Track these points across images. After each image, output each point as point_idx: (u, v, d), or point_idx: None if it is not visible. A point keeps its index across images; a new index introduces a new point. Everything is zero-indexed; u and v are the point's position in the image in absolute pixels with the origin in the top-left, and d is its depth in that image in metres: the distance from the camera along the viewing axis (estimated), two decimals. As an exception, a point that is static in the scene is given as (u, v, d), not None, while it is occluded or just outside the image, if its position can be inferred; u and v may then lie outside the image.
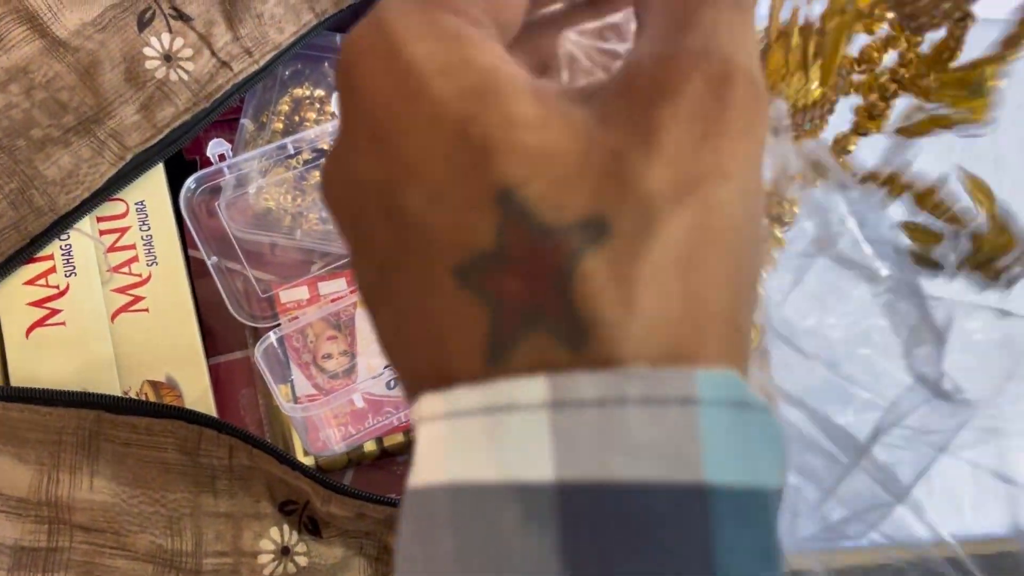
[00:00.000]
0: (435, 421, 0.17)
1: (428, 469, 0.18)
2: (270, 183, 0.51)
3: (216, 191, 0.49)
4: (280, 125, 0.52)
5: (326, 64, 0.55)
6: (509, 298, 0.16)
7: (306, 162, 0.51)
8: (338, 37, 0.54)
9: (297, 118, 0.53)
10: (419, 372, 0.18)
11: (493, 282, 0.17)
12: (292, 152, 0.50)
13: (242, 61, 0.49)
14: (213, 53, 0.49)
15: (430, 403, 0.18)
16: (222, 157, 0.49)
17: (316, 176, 0.51)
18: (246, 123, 0.52)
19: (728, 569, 0.15)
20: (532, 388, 0.16)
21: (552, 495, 0.16)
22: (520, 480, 0.16)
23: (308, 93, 0.53)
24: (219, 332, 0.50)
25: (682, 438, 0.15)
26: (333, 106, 0.51)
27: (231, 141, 0.50)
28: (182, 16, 0.49)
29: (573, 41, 0.23)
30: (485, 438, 0.16)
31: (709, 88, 0.17)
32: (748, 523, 0.16)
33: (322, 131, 0.51)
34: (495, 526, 0.16)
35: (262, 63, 0.50)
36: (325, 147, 0.52)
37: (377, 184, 0.18)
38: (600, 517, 0.15)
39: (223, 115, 0.50)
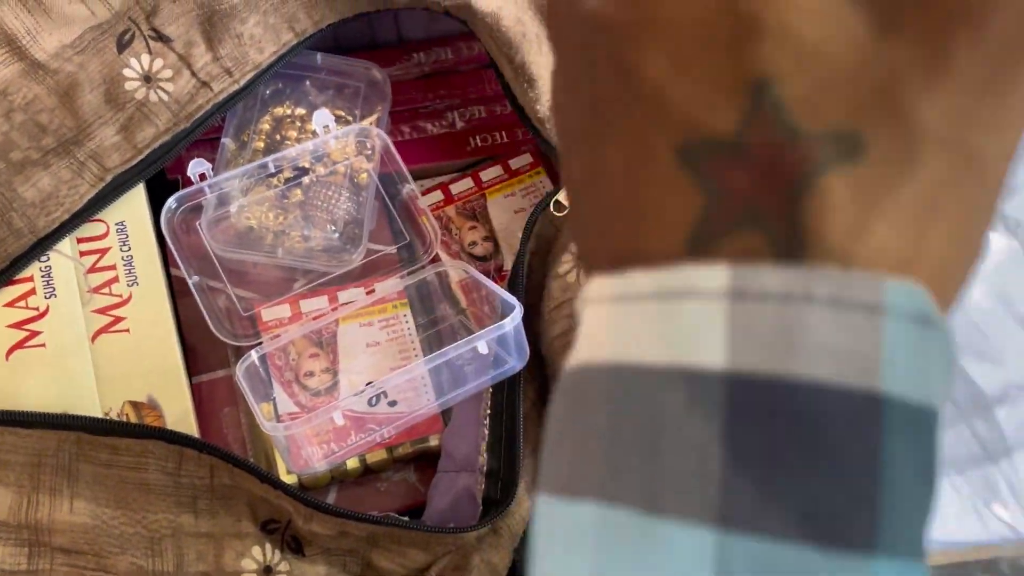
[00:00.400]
0: (602, 304, 0.17)
1: (588, 348, 0.17)
2: (251, 202, 0.51)
3: (197, 210, 0.49)
4: (261, 144, 0.52)
5: (307, 83, 0.55)
6: (732, 191, 0.16)
7: (287, 180, 0.51)
8: (319, 56, 0.55)
9: (278, 137, 0.53)
10: (604, 240, 0.17)
11: (719, 171, 0.16)
12: (273, 171, 0.51)
13: (222, 81, 0.49)
14: (193, 74, 0.49)
15: (600, 286, 0.17)
16: (203, 176, 0.49)
17: (298, 194, 0.51)
18: (227, 142, 0.52)
19: (893, 482, 0.15)
20: (714, 275, 0.15)
21: (721, 383, 0.15)
22: (689, 365, 0.16)
23: (289, 112, 0.54)
24: (201, 351, 0.50)
25: (864, 344, 0.15)
26: (314, 124, 0.51)
27: (212, 160, 0.51)
28: (162, 37, 0.49)
29: None
30: (656, 321, 0.16)
31: (1020, 25, 0.15)
32: (917, 440, 0.15)
33: (303, 149, 0.51)
34: (655, 408, 0.16)
35: (242, 83, 0.50)
36: (306, 165, 0.52)
37: (615, 30, 0.17)
38: (769, 411, 0.15)
39: (204, 134, 0.51)
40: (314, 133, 0.52)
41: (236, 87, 0.50)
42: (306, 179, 0.52)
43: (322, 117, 0.51)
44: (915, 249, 0.16)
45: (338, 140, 0.52)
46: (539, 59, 0.48)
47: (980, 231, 0.17)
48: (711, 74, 0.16)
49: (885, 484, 0.15)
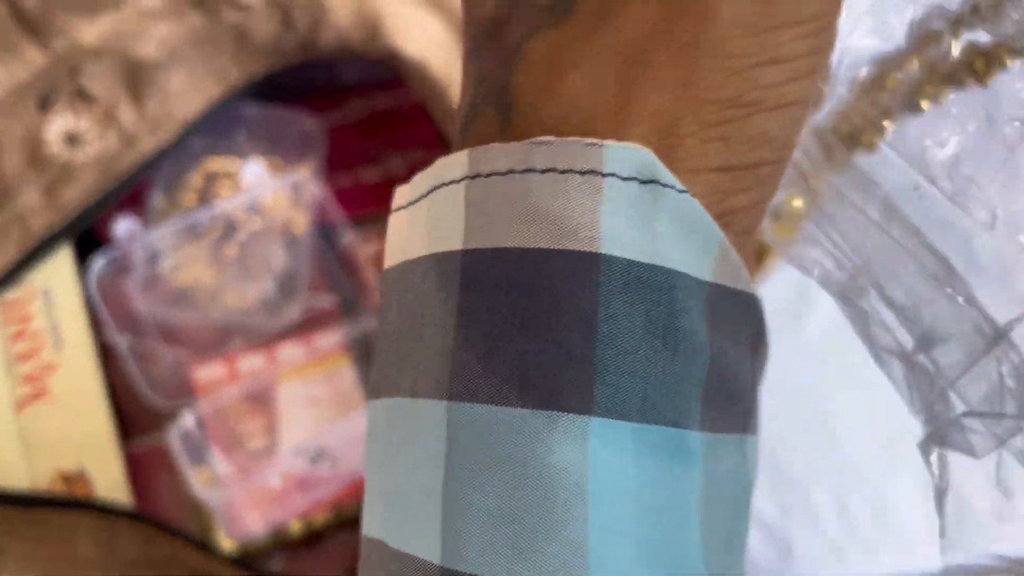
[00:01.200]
0: (396, 212, 0.19)
1: (388, 256, 0.19)
2: (183, 258, 0.49)
3: (127, 269, 0.48)
4: (193, 198, 0.51)
5: (239, 134, 0.54)
6: (484, 72, 0.17)
7: (220, 235, 0.50)
8: (250, 107, 0.54)
9: (210, 190, 0.52)
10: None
11: (482, 55, 0.17)
12: (205, 226, 0.49)
13: (149, 138, 0.48)
14: (119, 131, 0.48)
15: (397, 197, 0.19)
16: (132, 235, 0.47)
17: (232, 249, 0.50)
18: (157, 198, 0.51)
19: (611, 337, 0.15)
20: (457, 163, 0.16)
21: (458, 261, 0.16)
22: (439, 250, 0.17)
23: (220, 165, 0.52)
24: (137, 415, 0.48)
25: (581, 208, 0.15)
26: (246, 176, 0.50)
27: (142, 217, 0.49)
28: (86, 96, 0.48)
29: None
30: (423, 215, 0.17)
31: None
32: (641, 298, 0.15)
33: (236, 202, 0.50)
34: (420, 297, 0.17)
35: (170, 138, 0.49)
36: (240, 218, 0.51)
37: None
38: (494, 283, 0.16)
39: (133, 191, 0.49)
40: (247, 185, 0.51)
41: (163, 143, 0.48)
42: (240, 233, 0.50)
43: (254, 169, 0.50)
44: (623, 100, 0.15)
45: (272, 192, 0.51)
46: (470, 103, 0.47)
47: (725, 81, 0.15)
48: None
49: (602, 343, 0.15)
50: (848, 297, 0.18)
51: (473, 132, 0.17)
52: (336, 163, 0.59)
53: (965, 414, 0.17)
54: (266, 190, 0.50)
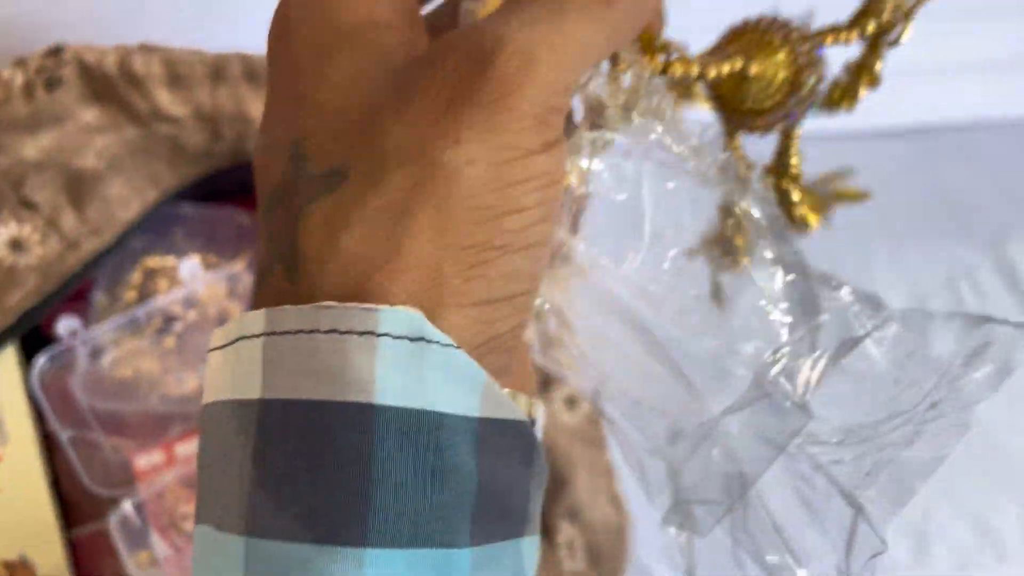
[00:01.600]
0: (214, 352, 0.21)
1: (206, 392, 0.21)
2: (124, 352, 0.53)
3: (69, 365, 0.51)
4: (133, 295, 0.55)
5: (177, 232, 0.58)
6: (275, 231, 0.20)
7: (159, 330, 0.53)
8: (188, 206, 0.57)
9: (150, 287, 0.55)
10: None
11: (272, 214, 0.20)
12: (144, 321, 0.53)
13: (90, 241, 0.52)
14: (61, 237, 0.51)
15: (214, 338, 0.21)
16: (74, 333, 0.51)
17: (170, 341, 0.54)
18: (98, 297, 0.54)
19: (384, 476, 0.17)
20: (255, 320, 0.19)
21: (255, 410, 0.18)
22: (240, 398, 0.19)
23: (159, 263, 0.56)
24: (80, 503, 0.51)
25: (359, 364, 0.18)
26: (182, 273, 0.54)
27: (84, 316, 0.52)
28: (29, 205, 0.51)
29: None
30: (228, 364, 0.20)
31: (469, 61, 0.18)
32: (412, 441, 0.18)
33: (173, 297, 0.53)
34: (222, 435, 0.19)
35: (110, 240, 0.52)
36: (177, 313, 0.54)
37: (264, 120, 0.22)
38: (285, 431, 0.18)
39: (77, 290, 0.53)
40: (184, 281, 0.54)
41: (104, 245, 0.52)
42: (177, 326, 0.54)
43: (190, 266, 0.54)
44: (391, 253, 0.18)
45: (208, 286, 0.54)
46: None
47: (475, 230, 0.18)
48: (276, 138, 0.20)
49: (377, 483, 0.17)
50: (596, 401, 0.22)
51: (267, 286, 0.20)
52: (272, 254, 0.62)
53: (682, 499, 0.20)
54: (202, 284, 0.54)
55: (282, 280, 0.19)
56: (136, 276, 0.55)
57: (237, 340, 0.19)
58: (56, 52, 0.49)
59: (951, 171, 0.99)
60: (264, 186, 0.20)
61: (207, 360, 0.21)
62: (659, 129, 0.22)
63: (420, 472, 0.18)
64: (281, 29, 0.21)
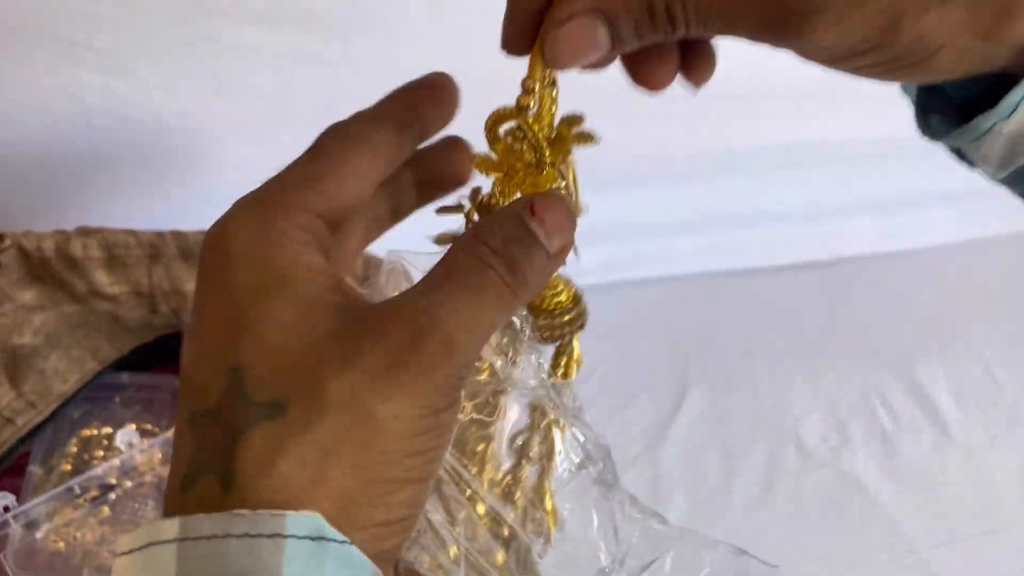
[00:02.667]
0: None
1: None
2: (58, 524, 0.53)
3: (2, 541, 0.51)
4: (68, 467, 0.55)
5: (115, 401, 0.59)
6: (206, 444, 0.22)
7: (94, 499, 0.54)
8: (125, 375, 0.59)
9: (86, 457, 0.56)
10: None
11: (204, 430, 0.22)
12: (79, 492, 0.53)
13: (26, 415, 0.53)
14: (-3, 413, 0.52)
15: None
16: (7, 508, 0.51)
17: (104, 511, 0.54)
18: (34, 470, 0.55)
19: None
20: (170, 526, 0.21)
21: None
22: None
23: (96, 432, 0.57)
24: None
25: (268, 563, 0.20)
26: (118, 442, 0.55)
27: (19, 489, 0.53)
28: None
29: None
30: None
31: (409, 335, 0.22)
32: None
33: (110, 467, 0.54)
34: None
35: (47, 412, 0.54)
36: (113, 482, 0.55)
37: (189, 327, 0.24)
38: None
39: (12, 463, 0.53)
40: (120, 450, 0.55)
41: (40, 418, 0.53)
42: (113, 495, 0.54)
43: (126, 435, 0.55)
44: (316, 481, 0.21)
45: (144, 452, 0.55)
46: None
47: (387, 469, 0.22)
48: (212, 361, 0.23)
49: None
50: None
51: (195, 493, 0.21)
52: (209, 416, 0.64)
53: None
54: (139, 451, 0.55)
55: (212, 489, 0.21)
56: (72, 447, 0.56)
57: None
58: (-3, 239, 0.51)
59: (858, 300, 1.05)
60: (194, 400, 0.23)
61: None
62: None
63: None
64: (220, 261, 0.24)
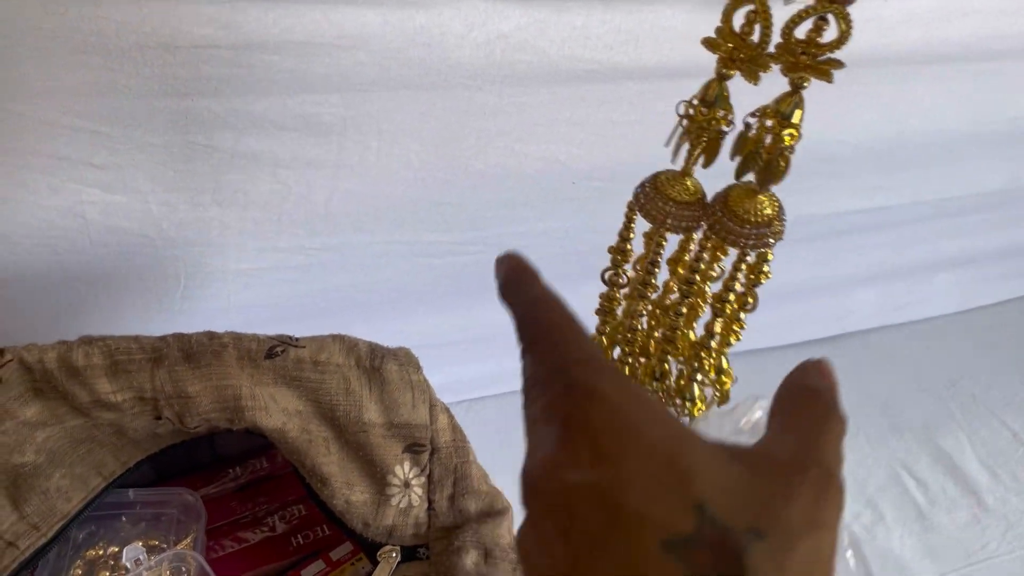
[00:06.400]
0: None
1: None
2: (63, 653, 0.50)
3: (5, 675, 0.48)
4: (73, 590, 0.53)
5: (121, 519, 0.57)
6: (701, 563, 0.25)
7: (100, 623, 0.52)
8: (131, 492, 0.58)
9: (92, 579, 0.54)
10: None
11: (690, 554, 0.25)
12: (85, 616, 0.51)
13: (29, 537, 0.51)
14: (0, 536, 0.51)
15: None
16: (10, 638, 0.49)
17: (112, 635, 0.52)
18: (37, 596, 0.52)
19: None
20: None
21: None
22: None
23: (101, 552, 0.55)
24: None
25: None
26: (124, 560, 0.53)
27: (22, 618, 0.51)
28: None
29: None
30: None
31: (820, 480, 0.27)
32: None
33: (116, 587, 0.52)
34: None
35: (50, 535, 0.52)
36: (120, 603, 0.53)
37: (595, 487, 0.27)
38: None
39: (14, 592, 0.51)
40: (126, 568, 0.53)
41: (44, 540, 0.51)
42: (120, 617, 0.52)
43: (132, 552, 0.53)
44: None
45: (151, 570, 0.53)
46: (328, 459, 0.52)
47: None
48: (671, 500, 0.26)
49: None
50: None
51: None
52: (219, 529, 0.62)
53: None
54: (144, 570, 0.53)
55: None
56: (78, 570, 0.54)
57: None
58: (-2, 355, 0.51)
59: (868, 374, 1.04)
60: (660, 531, 0.26)
61: None
62: None
63: None
64: (619, 421, 0.28)
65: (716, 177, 0.42)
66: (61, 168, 0.55)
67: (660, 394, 0.44)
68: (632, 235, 0.46)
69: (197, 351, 0.51)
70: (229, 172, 0.60)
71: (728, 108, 0.39)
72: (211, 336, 0.52)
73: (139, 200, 0.58)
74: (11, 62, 0.49)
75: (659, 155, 0.75)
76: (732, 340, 0.45)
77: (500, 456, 0.60)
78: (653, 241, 0.46)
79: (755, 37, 0.36)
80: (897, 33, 0.69)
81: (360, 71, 0.57)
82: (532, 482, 0.28)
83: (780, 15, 0.35)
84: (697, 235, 0.43)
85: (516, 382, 0.95)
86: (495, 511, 0.55)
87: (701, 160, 0.41)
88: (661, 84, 0.66)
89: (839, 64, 0.34)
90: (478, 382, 0.91)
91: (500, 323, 0.95)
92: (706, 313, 0.45)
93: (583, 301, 0.92)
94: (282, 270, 0.69)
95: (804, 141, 0.39)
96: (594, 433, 0.28)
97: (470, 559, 0.52)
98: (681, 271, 0.47)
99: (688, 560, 0.25)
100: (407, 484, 0.53)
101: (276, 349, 0.52)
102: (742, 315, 0.44)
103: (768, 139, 0.36)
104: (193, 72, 0.53)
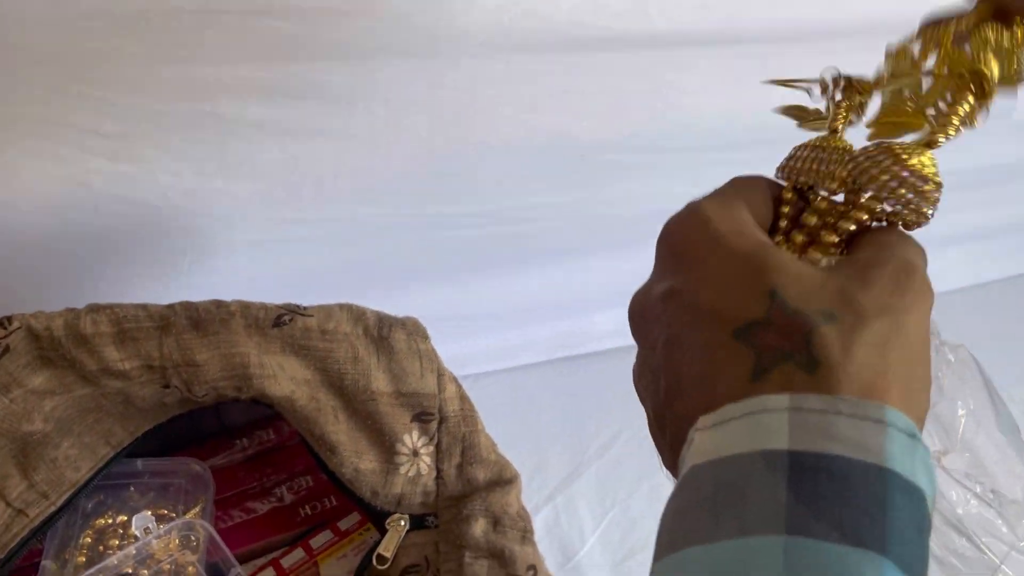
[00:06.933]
0: (705, 430, 0.27)
1: (695, 457, 0.26)
2: (74, 620, 0.51)
3: (16, 641, 0.49)
4: (83, 559, 0.53)
5: (129, 489, 0.57)
6: (769, 345, 0.27)
7: (110, 590, 0.52)
8: (139, 462, 0.58)
9: (101, 548, 0.54)
10: (691, 407, 0.28)
11: (759, 337, 0.27)
12: (95, 583, 0.51)
13: (38, 506, 0.51)
14: (8, 503, 0.51)
15: (703, 420, 0.27)
16: (20, 605, 0.49)
17: (122, 602, 0.52)
18: (47, 564, 0.52)
19: (895, 518, 0.24)
20: (779, 399, 0.25)
21: (786, 456, 0.24)
22: (766, 448, 0.25)
23: (110, 521, 0.55)
24: None
25: (873, 440, 0.24)
26: (134, 528, 0.53)
27: (32, 585, 0.51)
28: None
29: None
30: (743, 430, 0.26)
31: (901, 269, 0.28)
32: (910, 500, 0.24)
33: (125, 555, 0.52)
34: (744, 473, 0.25)
35: (59, 503, 0.52)
36: (129, 571, 0.53)
37: (676, 292, 0.30)
38: (815, 468, 0.24)
39: (24, 558, 0.51)
40: (135, 537, 0.53)
41: (53, 508, 0.51)
42: (130, 584, 0.52)
43: (142, 520, 0.53)
44: (880, 373, 0.26)
45: (160, 539, 0.53)
46: (337, 427, 0.52)
47: (918, 368, 0.28)
48: (744, 292, 0.28)
49: (890, 518, 0.24)
50: None
51: (772, 379, 0.26)
52: (227, 500, 0.62)
53: None
54: (154, 538, 0.53)
55: (796, 375, 0.26)
56: (87, 538, 0.54)
57: (745, 415, 0.26)
58: (4, 323, 0.51)
59: None
60: (733, 320, 0.28)
61: (694, 440, 0.27)
62: None
63: (914, 525, 0.24)
64: (706, 231, 0.30)
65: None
66: (67, 136, 0.55)
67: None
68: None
69: (205, 319, 0.51)
70: (235, 141, 0.59)
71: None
72: (218, 304, 0.52)
73: (145, 170, 0.58)
74: (17, 29, 0.49)
75: (669, 126, 0.74)
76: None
77: (506, 430, 0.61)
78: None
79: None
80: None
81: (366, 38, 0.56)
82: (629, 309, 0.32)
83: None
84: None
85: (522, 356, 0.95)
86: (503, 480, 0.54)
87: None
88: (672, 53, 0.65)
89: None
90: (485, 356, 0.91)
91: (507, 297, 0.95)
92: None
93: (591, 275, 0.92)
94: (289, 242, 0.69)
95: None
96: (682, 246, 0.30)
97: (479, 527, 0.52)
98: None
99: (756, 343, 0.27)
100: (416, 453, 0.53)
101: (283, 317, 0.52)
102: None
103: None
104: (199, 38, 0.52)
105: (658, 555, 0.27)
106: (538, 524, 0.80)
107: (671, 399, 0.29)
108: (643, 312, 0.32)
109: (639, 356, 0.32)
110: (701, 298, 0.29)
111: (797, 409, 0.25)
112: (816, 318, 0.27)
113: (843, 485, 0.24)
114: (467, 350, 0.91)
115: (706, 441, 0.27)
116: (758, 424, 0.26)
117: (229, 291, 0.55)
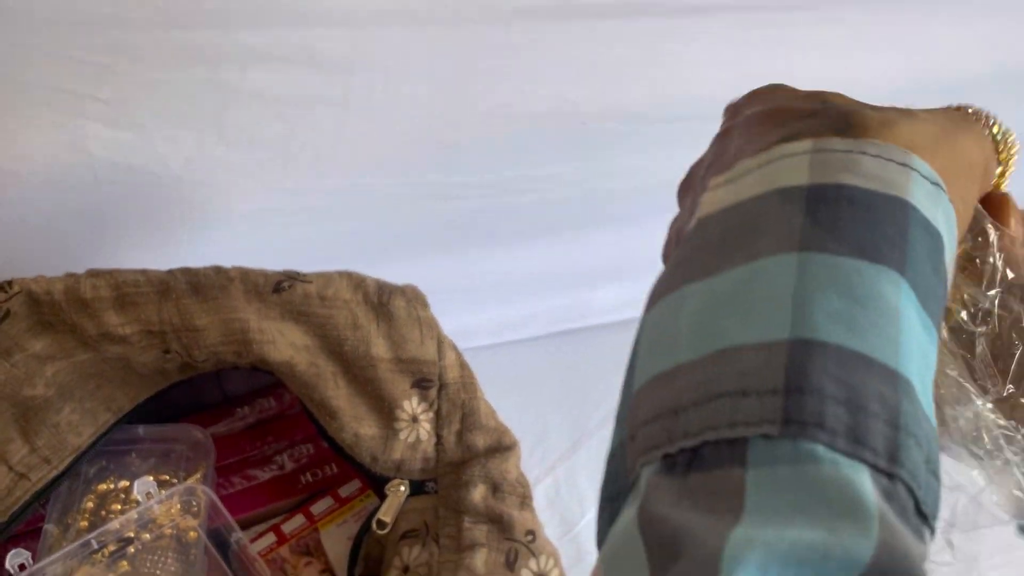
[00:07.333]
0: (717, 187, 0.27)
1: (705, 208, 0.26)
2: (76, 582, 0.51)
3: (19, 603, 0.49)
4: (85, 523, 0.54)
5: (131, 455, 0.58)
6: (811, 123, 0.26)
7: (112, 553, 0.52)
8: (140, 428, 0.58)
9: (103, 512, 0.55)
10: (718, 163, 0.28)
11: (802, 120, 0.27)
12: (97, 547, 0.51)
13: (40, 470, 0.51)
14: (10, 467, 0.51)
15: (715, 180, 0.27)
16: (23, 567, 0.49)
17: (124, 565, 0.52)
18: (50, 528, 0.53)
19: (914, 245, 0.24)
20: (800, 144, 0.25)
21: (803, 189, 0.24)
22: (782, 186, 0.25)
23: (112, 486, 0.56)
24: None
25: (898, 178, 0.24)
26: (135, 493, 0.53)
27: (34, 548, 0.51)
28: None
29: None
30: (756, 174, 0.26)
31: (958, 113, 0.30)
32: (930, 240, 0.24)
33: (127, 519, 0.52)
34: (757, 209, 0.25)
35: (61, 468, 0.52)
36: (131, 535, 0.53)
37: (741, 105, 0.31)
38: (835, 197, 0.24)
39: (26, 524, 0.52)
40: (137, 502, 0.54)
41: (55, 473, 0.52)
42: (131, 548, 0.52)
43: (143, 486, 0.53)
44: (922, 148, 0.26)
45: (162, 504, 0.54)
46: (337, 392, 0.53)
47: (965, 171, 0.28)
48: (801, 101, 0.29)
49: (910, 244, 0.24)
50: None
51: (804, 133, 0.26)
52: (228, 467, 0.62)
53: None
54: (155, 503, 0.53)
55: (823, 132, 0.26)
56: (89, 503, 0.54)
57: (767, 163, 0.26)
58: (4, 287, 0.51)
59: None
60: (787, 116, 0.28)
61: (704, 199, 0.27)
62: None
63: (931, 264, 0.24)
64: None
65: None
66: (65, 102, 0.55)
67: None
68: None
69: (204, 284, 0.51)
70: (234, 109, 0.59)
71: None
72: (218, 270, 0.52)
73: (144, 137, 0.58)
74: (14, -7, 0.48)
75: (671, 96, 0.74)
76: None
77: (508, 402, 0.61)
78: None
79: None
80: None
81: (366, 4, 0.56)
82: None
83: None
84: None
85: (523, 330, 0.95)
86: (503, 446, 0.55)
87: None
88: (674, 22, 0.65)
89: None
90: (486, 329, 0.91)
91: (507, 269, 0.95)
92: None
93: (592, 248, 0.92)
94: (288, 212, 0.69)
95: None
96: (750, 96, 0.31)
97: (478, 493, 0.52)
98: None
99: (807, 123, 0.27)
100: (415, 419, 0.53)
101: (283, 284, 0.52)
102: None
103: None
104: (197, 3, 0.52)
105: (649, 306, 0.26)
106: (539, 495, 0.80)
107: (704, 174, 0.29)
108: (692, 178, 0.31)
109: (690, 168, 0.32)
110: (761, 108, 0.29)
111: (819, 150, 0.25)
112: (861, 107, 0.27)
113: (863, 211, 0.24)
114: (468, 323, 0.91)
115: (717, 194, 0.26)
116: (776, 168, 0.25)
117: (228, 261, 0.55)
